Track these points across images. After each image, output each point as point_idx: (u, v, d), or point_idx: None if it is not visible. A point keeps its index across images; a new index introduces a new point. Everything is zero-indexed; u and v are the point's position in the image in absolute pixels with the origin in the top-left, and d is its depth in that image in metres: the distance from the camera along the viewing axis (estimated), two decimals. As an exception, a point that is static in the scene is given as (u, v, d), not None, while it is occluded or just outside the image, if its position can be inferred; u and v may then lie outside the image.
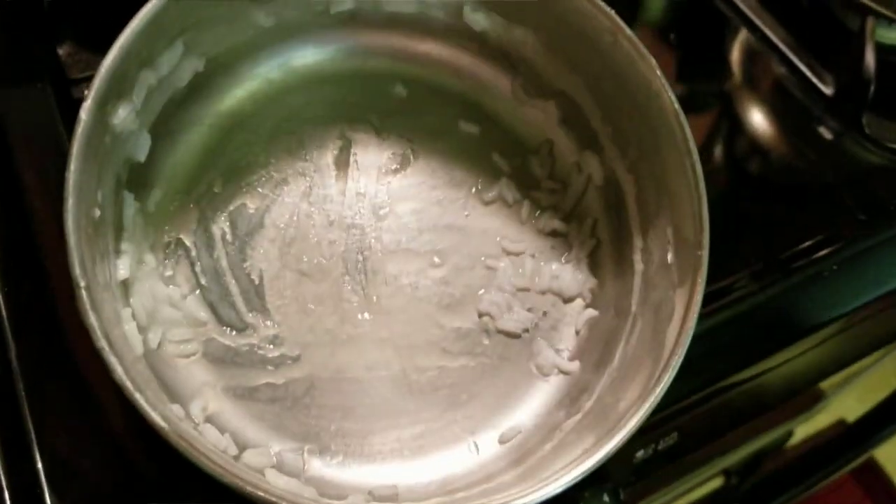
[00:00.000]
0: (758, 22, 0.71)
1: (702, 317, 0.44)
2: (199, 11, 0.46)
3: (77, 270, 0.36)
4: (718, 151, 0.66)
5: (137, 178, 0.49)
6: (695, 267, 0.45)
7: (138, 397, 0.36)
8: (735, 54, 0.72)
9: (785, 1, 0.72)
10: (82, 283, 0.36)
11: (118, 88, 0.42)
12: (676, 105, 0.48)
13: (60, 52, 0.56)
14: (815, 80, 0.68)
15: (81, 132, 0.39)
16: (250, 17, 0.51)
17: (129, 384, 0.36)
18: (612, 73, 0.51)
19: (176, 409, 0.43)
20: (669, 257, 0.48)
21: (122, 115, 0.43)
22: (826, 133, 0.66)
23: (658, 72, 0.48)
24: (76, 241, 0.37)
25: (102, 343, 0.36)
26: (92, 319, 0.36)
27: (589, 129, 0.57)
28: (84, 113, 0.39)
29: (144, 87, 0.44)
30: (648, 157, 0.51)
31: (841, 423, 0.99)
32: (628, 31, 0.48)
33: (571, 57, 0.54)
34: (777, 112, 0.68)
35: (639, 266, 0.53)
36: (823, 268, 0.59)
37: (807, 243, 0.59)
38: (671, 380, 0.42)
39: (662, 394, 0.42)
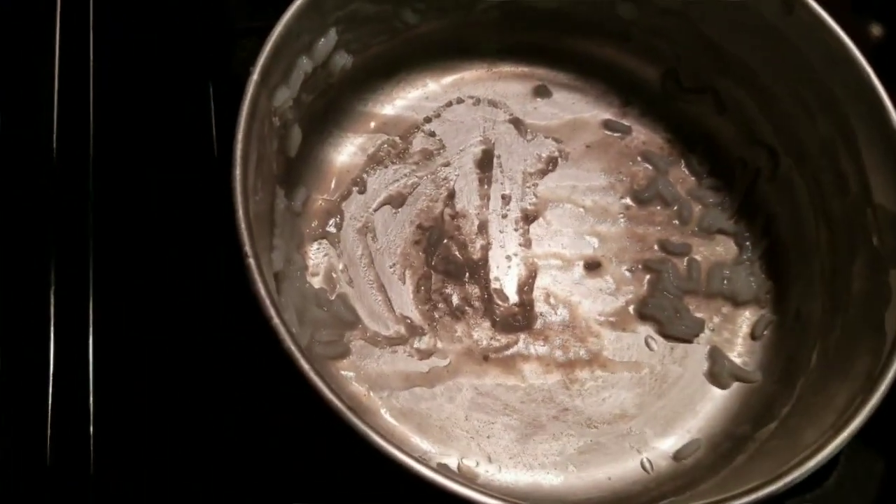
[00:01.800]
0: None
1: None
2: (352, 3, 0.46)
3: (246, 241, 0.34)
4: None
5: (287, 175, 0.47)
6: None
7: (309, 370, 0.33)
8: None
9: None
10: (250, 253, 0.34)
11: (279, 68, 0.41)
12: (869, 70, 0.43)
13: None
14: None
15: (248, 103, 0.37)
16: (399, 15, 0.50)
17: (299, 356, 0.33)
18: (781, 49, 0.47)
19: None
20: (874, 240, 0.42)
21: (281, 99, 0.42)
22: None
23: (844, 37, 0.44)
24: (244, 211, 0.35)
25: (271, 312, 0.33)
26: (261, 289, 0.33)
27: (751, 120, 0.52)
28: (251, 86, 0.38)
29: (301, 74, 0.43)
30: (829, 136, 0.46)
31: None
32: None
33: (730, 39, 0.50)
34: None
35: (826, 260, 0.47)
36: None
37: None
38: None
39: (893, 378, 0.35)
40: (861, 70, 0.43)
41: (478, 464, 0.44)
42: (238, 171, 0.35)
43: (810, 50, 0.46)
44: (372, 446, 0.34)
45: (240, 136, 0.36)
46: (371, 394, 0.45)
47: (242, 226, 0.34)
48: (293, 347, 0.33)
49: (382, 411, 0.45)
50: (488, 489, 0.40)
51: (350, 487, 0.42)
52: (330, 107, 0.51)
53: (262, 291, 0.33)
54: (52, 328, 0.42)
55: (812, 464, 0.34)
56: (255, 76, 0.38)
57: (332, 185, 0.51)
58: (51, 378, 0.41)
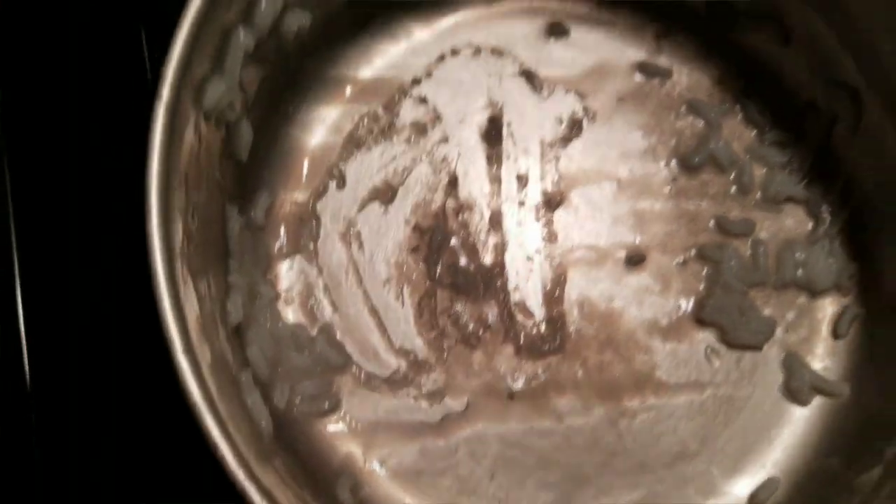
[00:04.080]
0: None
1: None
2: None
3: (175, 338, 0.24)
4: None
5: (239, 185, 0.36)
6: None
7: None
8: None
9: None
10: (184, 359, 0.23)
11: (204, 53, 0.29)
12: None
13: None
14: None
15: (162, 122, 0.26)
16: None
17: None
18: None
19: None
20: None
21: (215, 96, 0.30)
22: None
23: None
24: (170, 295, 0.24)
25: (218, 440, 0.23)
26: (199, 401, 0.23)
27: (827, 51, 0.41)
28: (165, 88, 0.26)
29: (240, 53, 0.31)
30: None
31: None
32: None
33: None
34: None
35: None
36: None
37: None
38: None
39: None
40: None
41: (513, 536, 0.36)
42: (156, 235, 0.24)
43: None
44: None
45: (153, 180, 0.25)
46: (371, 457, 0.36)
47: (169, 318, 0.24)
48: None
49: (382, 475, 0.36)
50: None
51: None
52: (288, 78, 0.39)
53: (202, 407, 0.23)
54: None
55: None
56: (168, 75, 0.26)
57: (304, 180, 0.40)
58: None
